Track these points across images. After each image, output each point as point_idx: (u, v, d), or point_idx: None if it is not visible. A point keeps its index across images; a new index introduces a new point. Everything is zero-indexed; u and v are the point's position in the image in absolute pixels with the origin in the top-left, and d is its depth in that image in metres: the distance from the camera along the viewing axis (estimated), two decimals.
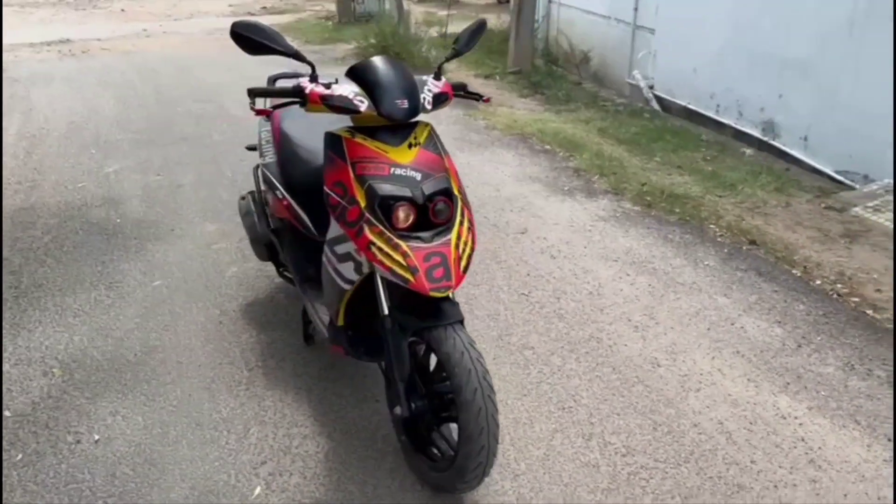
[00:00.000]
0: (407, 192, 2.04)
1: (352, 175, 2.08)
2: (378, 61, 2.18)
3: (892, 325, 3.23)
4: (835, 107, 5.52)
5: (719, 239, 4.10)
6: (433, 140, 2.20)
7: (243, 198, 3.29)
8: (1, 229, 4.08)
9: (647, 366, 2.88)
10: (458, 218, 2.11)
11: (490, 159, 5.43)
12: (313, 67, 2.18)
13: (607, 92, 7.97)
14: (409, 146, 2.14)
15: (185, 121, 6.14)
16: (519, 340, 3.04)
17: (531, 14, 8.09)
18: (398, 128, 2.15)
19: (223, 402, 2.66)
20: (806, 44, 5.67)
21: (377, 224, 2.02)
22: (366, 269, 2.11)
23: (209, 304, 3.32)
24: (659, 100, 7.59)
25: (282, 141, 2.78)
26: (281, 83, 3.08)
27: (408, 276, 1.98)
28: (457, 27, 9.56)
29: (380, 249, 2.00)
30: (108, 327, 3.13)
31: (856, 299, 3.49)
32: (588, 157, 5.40)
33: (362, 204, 2.05)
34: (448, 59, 2.35)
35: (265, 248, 3.09)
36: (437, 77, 2.29)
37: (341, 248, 2.16)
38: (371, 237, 2.01)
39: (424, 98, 2.18)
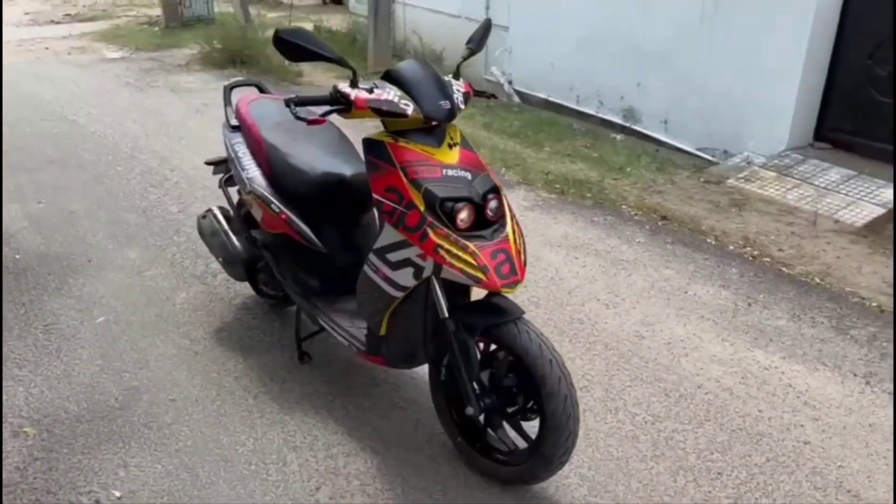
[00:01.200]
0: (465, 193, 2.05)
1: (405, 180, 2.06)
2: (414, 64, 2.18)
3: (806, 278, 3.69)
4: (691, 91, 6.10)
5: (636, 217, 4.43)
6: (465, 139, 2.22)
7: (204, 216, 3.07)
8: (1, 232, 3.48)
9: (633, 339, 3.08)
10: (509, 214, 2.16)
11: None
12: (355, 73, 2.12)
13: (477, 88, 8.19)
14: (450, 146, 2.15)
15: (42, 142, 5.53)
16: None
17: (387, 14, 8.13)
18: (431, 129, 2.16)
19: (243, 434, 2.50)
20: (661, 36, 6.20)
21: (441, 227, 2.01)
22: (426, 274, 2.09)
23: (173, 334, 3.07)
24: (519, 94, 7.94)
25: (269, 153, 2.65)
26: (242, 90, 2.92)
27: (479, 275, 1.99)
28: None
29: (448, 252, 2.00)
30: (68, 374, 2.80)
31: (767, 259, 3.94)
32: (486, 151, 5.56)
33: (421, 207, 2.03)
34: (465, 59, 2.38)
35: (243, 268, 2.92)
36: (457, 77, 2.31)
37: (396, 255, 2.12)
38: (437, 240, 2.00)
39: (457, 98, 2.20)
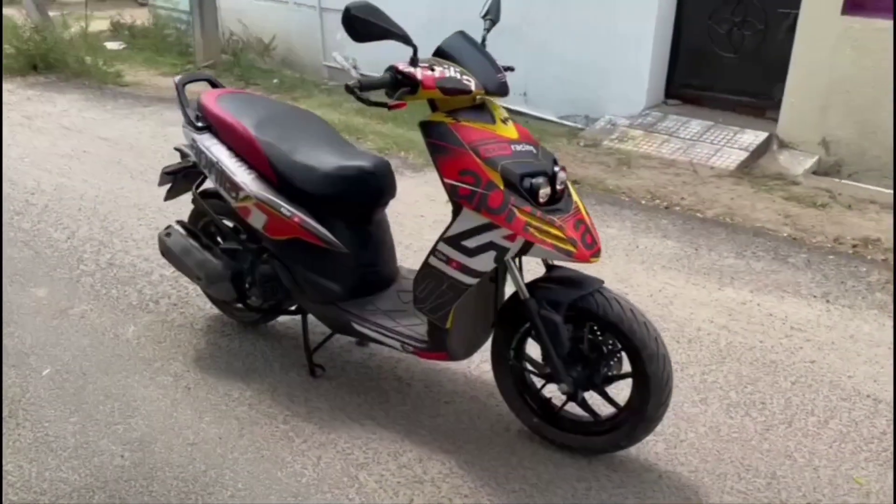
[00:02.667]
0: (541, 167, 2.01)
1: (478, 160, 1.97)
2: (460, 38, 2.08)
3: (721, 220, 4.05)
4: (548, 62, 6.36)
5: None
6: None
7: (168, 234, 2.71)
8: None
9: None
10: (570, 185, 2.15)
11: None
12: (415, 50, 1.97)
13: (314, 76, 7.92)
14: (503, 122, 2.09)
15: None
16: None
17: (213, 3, 7.58)
18: (480, 106, 2.09)
19: (297, 464, 2.26)
20: (512, 9, 6.32)
21: (525, 204, 1.95)
22: (510, 255, 2.02)
23: (147, 373, 2.69)
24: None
25: (268, 152, 2.39)
26: (196, 85, 2.61)
27: (570, 248, 1.97)
28: (94, 26, 8.51)
29: (537, 229, 1.95)
30: (44, 441, 2.36)
31: (678, 208, 4.27)
32: (376, 138, 5.43)
33: (501, 186, 1.95)
34: (488, 31, 2.30)
35: (232, 285, 2.62)
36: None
37: (475, 241, 2.02)
38: (525, 218, 1.95)
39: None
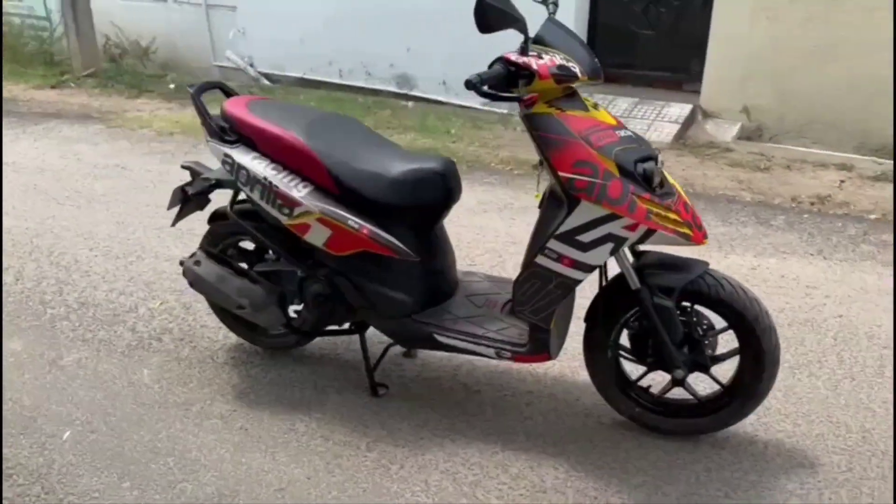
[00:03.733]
0: (648, 152, 1.98)
1: (591, 150, 1.90)
2: (554, 23, 2.00)
3: (691, 190, 4.20)
4: (468, 50, 6.28)
5: (518, 173, 4.55)
6: None
7: (196, 262, 2.43)
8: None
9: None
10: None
11: None
12: (527, 39, 1.87)
13: (206, 78, 7.43)
14: (595, 108, 2.04)
15: None
16: None
17: (88, 6, 6.91)
18: (571, 95, 2.03)
19: (406, 492, 2.11)
20: None
21: (643, 191, 1.92)
22: (628, 245, 1.97)
23: (188, 420, 2.41)
24: (266, 76, 7.45)
25: (327, 162, 2.18)
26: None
27: (687, 231, 1.96)
28: None
29: (657, 215, 1.92)
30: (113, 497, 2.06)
31: None
32: None
33: (617, 175, 1.90)
34: (554, 14, 2.21)
35: (279, 309, 2.40)
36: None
37: (592, 234, 1.95)
38: (646, 206, 1.91)
39: None
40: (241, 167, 2.25)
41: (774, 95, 5.36)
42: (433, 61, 6.45)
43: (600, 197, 1.89)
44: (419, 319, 2.29)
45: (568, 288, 2.03)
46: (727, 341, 2.19)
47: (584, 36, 6.03)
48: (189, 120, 5.62)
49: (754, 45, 5.28)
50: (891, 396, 2.43)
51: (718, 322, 2.13)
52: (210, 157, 2.39)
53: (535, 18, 2.01)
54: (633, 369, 2.30)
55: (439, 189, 2.20)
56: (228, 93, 2.49)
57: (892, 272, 3.19)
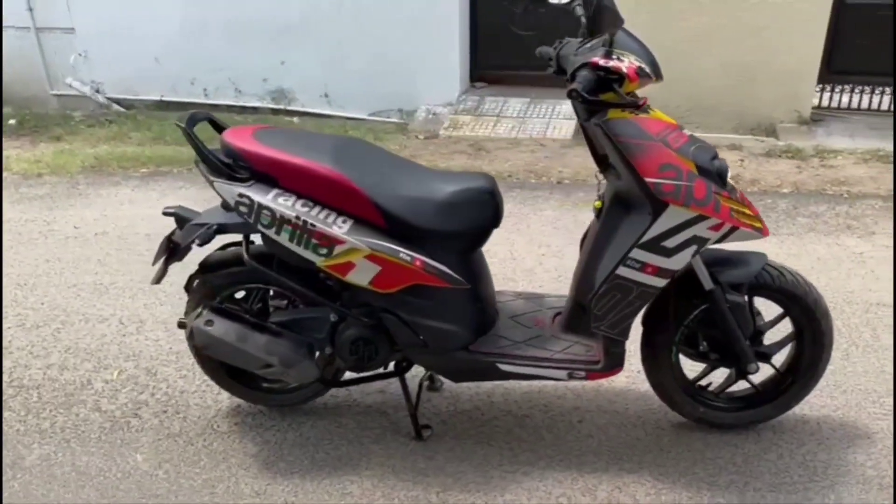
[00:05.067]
0: (712, 150, 1.96)
1: (672, 152, 1.86)
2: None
3: None
4: (348, 60, 6.11)
5: None
6: None
7: (210, 322, 2.10)
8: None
9: None
10: None
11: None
12: (612, 38, 1.77)
13: (42, 109, 6.61)
14: (651, 108, 2.01)
15: None
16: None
17: None
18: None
19: None
20: (299, 7, 5.97)
21: (722, 189, 1.91)
22: (710, 245, 1.94)
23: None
24: (117, 102, 6.78)
25: (372, 192, 1.96)
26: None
27: (760, 225, 1.98)
28: None
29: (737, 212, 1.92)
30: None
31: (582, 182, 4.44)
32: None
33: (698, 175, 1.88)
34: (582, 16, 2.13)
35: (311, 362, 2.13)
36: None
37: (678, 238, 1.89)
38: (728, 204, 1.90)
39: None
40: (262, 208, 1.96)
41: (657, 85, 5.63)
42: (312, 73, 6.17)
43: (688, 200, 1.84)
44: (476, 350, 2.12)
45: (648, 297, 1.96)
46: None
47: (465, 39, 6.02)
48: (51, 158, 4.94)
49: (638, 36, 5.51)
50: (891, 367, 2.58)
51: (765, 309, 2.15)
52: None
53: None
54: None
55: (489, 209, 2.05)
56: (216, 123, 2.17)
57: (837, 241, 3.43)
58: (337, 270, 1.98)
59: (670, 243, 1.89)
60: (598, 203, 2.08)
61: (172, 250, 2.13)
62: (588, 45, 1.90)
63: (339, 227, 1.95)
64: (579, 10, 2.10)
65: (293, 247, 1.97)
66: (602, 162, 2.03)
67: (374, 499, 2.07)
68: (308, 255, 1.97)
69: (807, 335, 2.14)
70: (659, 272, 1.91)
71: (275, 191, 1.98)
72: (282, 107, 6.35)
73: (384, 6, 5.81)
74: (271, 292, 2.28)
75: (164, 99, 6.59)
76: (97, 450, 2.29)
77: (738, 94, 5.42)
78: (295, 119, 6.07)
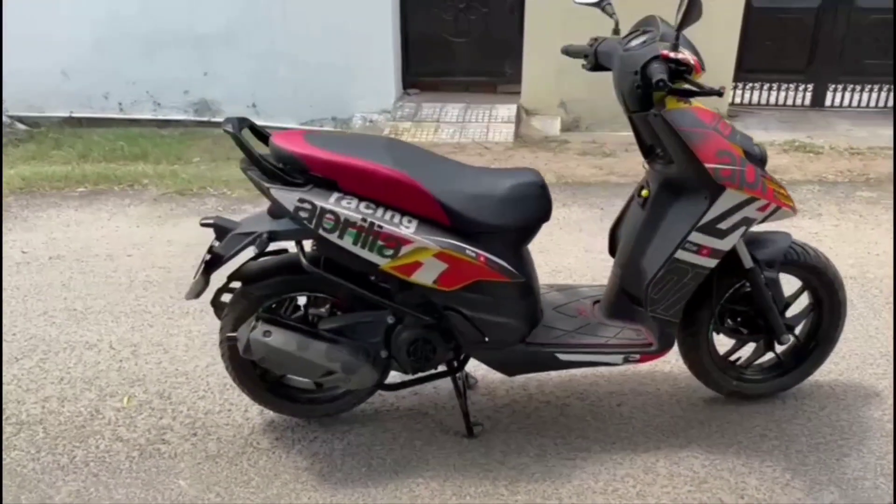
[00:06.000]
0: (751, 138, 2.11)
1: (724, 139, 1.99)
2: (659, 19, 2.02)
3: (594, 180, 4.48)
4: (277, 69, 6.01)
5: None
6: None
7: (267, 333, 2.03)
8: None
9: None
10: None
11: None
12: (680, 31, 1.86)
13: None
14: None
15: None
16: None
17: None
18: None
19: None
20: (221, 16, 5.82)
21: (765, 172, 2.05)
22: (755, 226, 2.08)
23: None
24: (20, 120, 6.34)
25: (436, 191, 1.96)
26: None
27: (793, 203, 2.14)
28: None
29: (779, 193, 2.07)
30: None
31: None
32: (167, 181, 4.55)
33: (747, 160, 2.01)
34: (612, 14, 2.22)
35: (370, 365, 2.11)
36: None
37: (731, 220, 2.01)
38: (772, 186, 2.05)
39: None
40: (325, 211, 1.91)
41: (586, 89, 5.83)
42: (238, 83, 6.02)
43: (742, 183, 1.96)
44: (533, 342, 2.16)
45: (700, 278, 2.07)
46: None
47: (397, 47, 6.04)
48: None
49: (566, 43, 5.72)
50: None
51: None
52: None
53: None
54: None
55: (543, 201, 2.09)
56: (255, 128, 2.11)
57: (793, 223, 3.70)
58: (402, 271, 1.97)
59: (724, 225, 2.00)
60: (644, 192, 2.16)
61: (212, 262, 2.04)
62: (638, 40, 1.98)
63: (406, 227, 1.94)
64: (609, 10, 2.18)
65: (357, 250, 1.94)
66: (649, 151, 2.12)
67: (445, 498, 2.06)
68: (372, 257, 1.94)
69: (825, 305, 2.32)
70: (712, 253, 2.02)
71: (336, 194, 1.94)
72: (206, 119, 6.14)
73: (314, 14, 5.75)
74: (305, 300, 2.22)
75: (73, 115, 6.22)
76: (132, 480, 2.15)
77: None
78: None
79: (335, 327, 2.11)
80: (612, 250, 2.37)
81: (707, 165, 1.94)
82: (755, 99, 6.02)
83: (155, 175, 4.63)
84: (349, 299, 2.14)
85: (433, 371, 2.24)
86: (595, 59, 2.16)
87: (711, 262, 2.04)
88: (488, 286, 2.04)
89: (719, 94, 1.84)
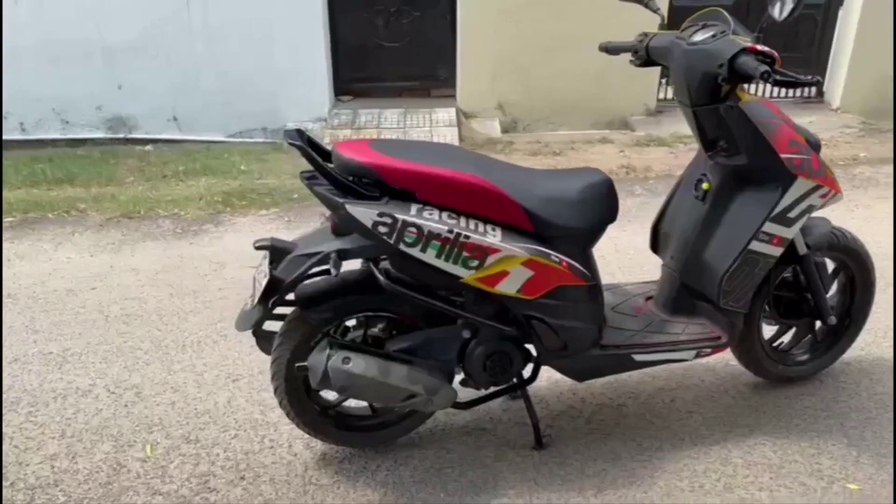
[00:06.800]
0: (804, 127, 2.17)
1: (791, 129, 2.04)
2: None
3: None
4: (200, 80, 5.70)
5: None
6: None
7: (347, 359, 1.87)
8: None
9: None
10: None
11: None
12: (764, 25, 1.86)
13: None
14: None
15: None
16: None
17: None
18: None
19: None
20: (134, 27, 5.48)
21: (820, 159, 2.12)
22: (816, 211, 2.13)
23: None
24: None
25: (519, 197, 1.88)
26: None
27: (840, 187, 2.22)
28: None
29: (835, 178, 2.14)
30: None
31: None
32: (115, 205, 4.18)
33: (810, 148, 2.07)
34: (656, 10, 2.22)
35: (449, 384, 2.00)
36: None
37: (799, 208, 2.05)
38: (830, 173, 2.11)
39: None
40: (407, 224, 1.78)
41: (522, 90, 5.93)
42: (157, 97, 5.65)
43: (811, 171, 2.00)
44: (607, 346, 2.12)
45: (767, 267, 2.09)
46: None
47: (328, 54, 5.86)
48: None
49: (500, 46, 5.75)
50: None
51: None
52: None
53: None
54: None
55: (613, 202, 2.05)
56: (314, 141, 1.94)
57: None
58: (486, 282, 1.87)
59: (793, 213, 2.03)
60: (706, 185, 2.16)
61: (272, 287, 1.85)
62: (704, 34, 1.96)
63: (493, 236, 1.84)
64: (653, 6, 2.17)
65: (440, 263, 1.82)
66: (712, 144, 2.11)
67: None
68: (456, 269, 1.83)
69: (859, 285, 2.41)
70: (781, 242, 2.05)
71: (416, 205, 1.81)
72: (121, 136, 5.72)
73: (237, 20, 5.49)
74: (356, 321, 2.08)
75: None
76: None
77: (590, 95, 5.85)
78: (148, 147, 5.49)
79: (407, 346, 1.97)
80: (655, 246, 2.36)
81: (782, 155, 1.96)
82: None
83: (90, 199, 4.23)
84: (416, 317, 2.01)
85: (504, 385, 2.14)
86: (647, 54, 2.14)
87: (779, 251, 2.07)
88: (566, 291, 1.98)
89: (817, 83, 1.86)
